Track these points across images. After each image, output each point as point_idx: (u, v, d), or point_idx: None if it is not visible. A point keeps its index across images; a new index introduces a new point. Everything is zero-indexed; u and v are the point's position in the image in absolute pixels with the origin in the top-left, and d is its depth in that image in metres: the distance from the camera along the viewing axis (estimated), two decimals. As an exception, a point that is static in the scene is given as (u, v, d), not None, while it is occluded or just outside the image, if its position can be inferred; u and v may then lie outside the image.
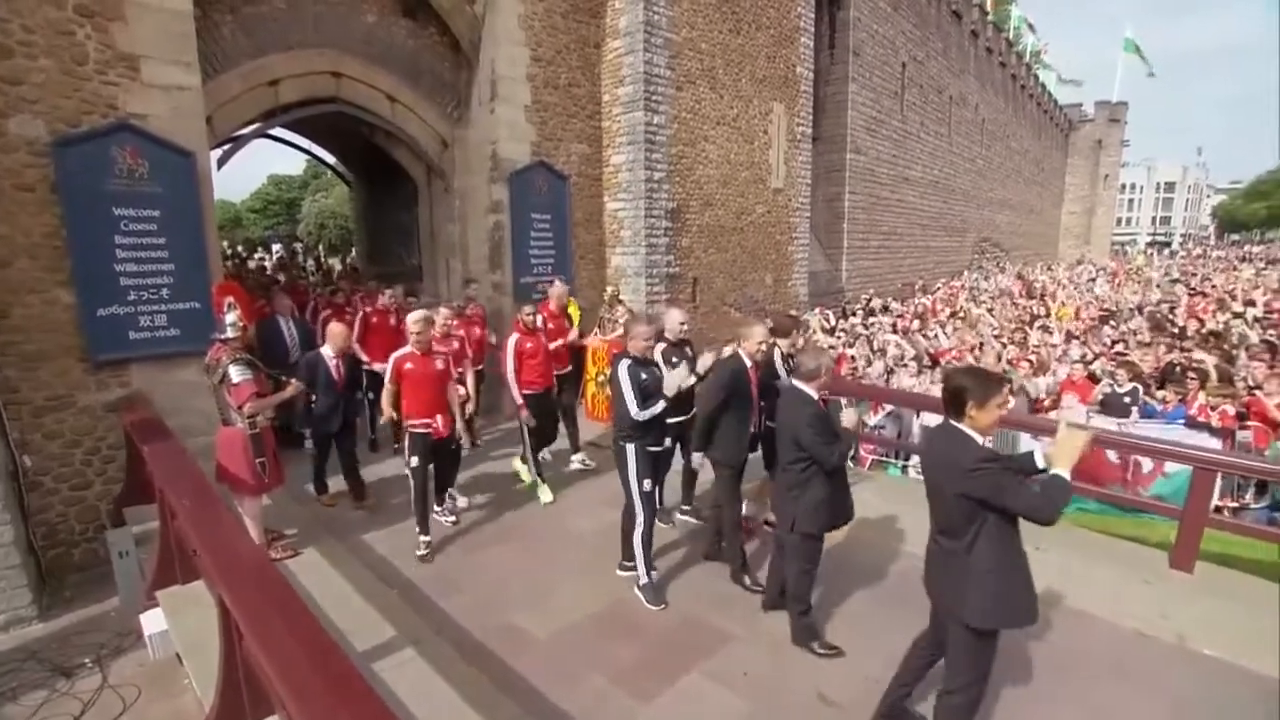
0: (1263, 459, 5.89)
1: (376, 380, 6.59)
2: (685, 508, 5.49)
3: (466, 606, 4.20)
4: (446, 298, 8.38)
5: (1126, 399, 7.44)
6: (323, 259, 25.06)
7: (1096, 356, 9.24)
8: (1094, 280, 22.78)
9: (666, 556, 4.85)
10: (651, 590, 4.22)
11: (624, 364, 4.11)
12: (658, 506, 4.55)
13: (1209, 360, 7.62)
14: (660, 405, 4.07)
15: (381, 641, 3.74)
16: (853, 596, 4.33)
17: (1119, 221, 66.13)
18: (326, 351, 5.44)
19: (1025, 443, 6.77)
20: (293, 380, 4.59)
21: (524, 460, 6.14)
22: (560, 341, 6.60)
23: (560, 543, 5.16)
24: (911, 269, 20.83)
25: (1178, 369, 7.63)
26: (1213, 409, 6.85)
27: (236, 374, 4.19)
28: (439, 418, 4.77)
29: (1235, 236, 75.61)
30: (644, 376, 4.11)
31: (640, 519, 4.18)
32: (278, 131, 8.53)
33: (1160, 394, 7.35)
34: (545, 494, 5.93)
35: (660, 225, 9.57)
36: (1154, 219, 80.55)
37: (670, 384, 4.04)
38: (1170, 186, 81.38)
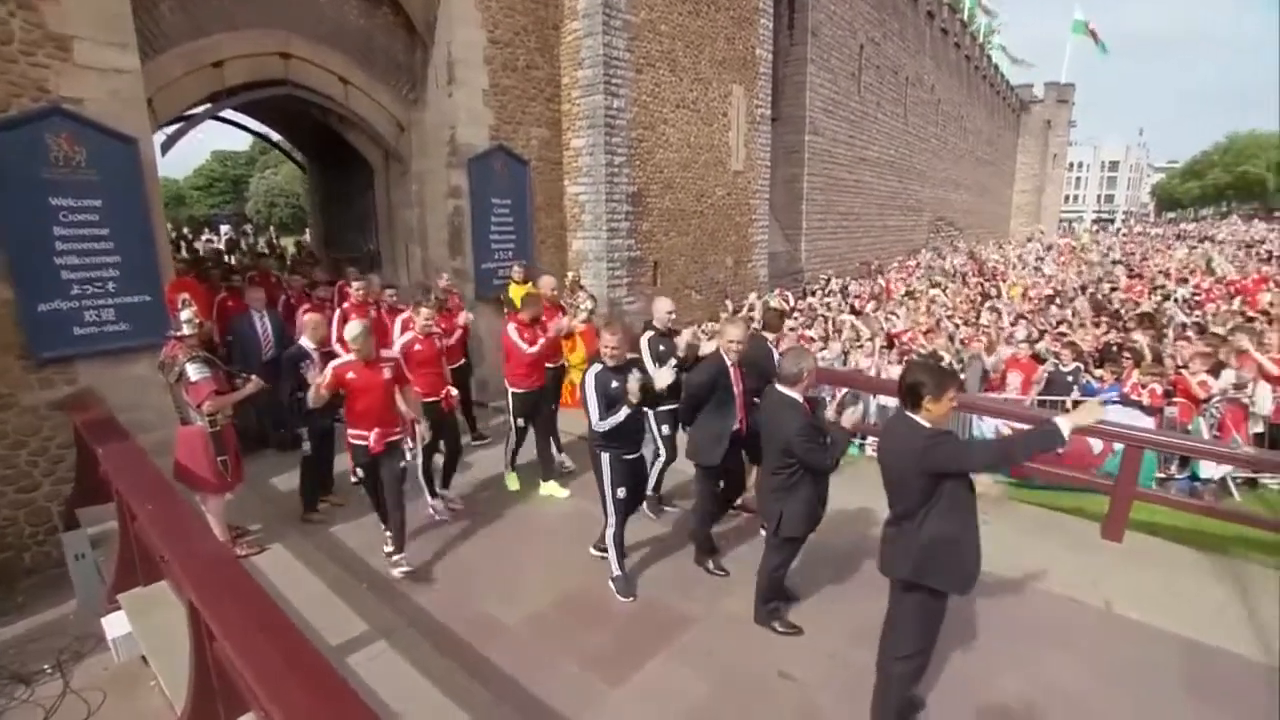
0: (1185, 435, 6.31)
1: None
2: (652, 491, 5.33)
3: (437, 597, 4.26)
4: (410, 283, 8.26)
5: (1069, 378, 7.85)
6: (275, 240, 24.10)
7: (1041, 334, 9.68)
8: (1042, 259, 23.59)
9: (640, 544, 4.92)
10: (623, 582, 4.28)
11: (592, 371, 4.07)
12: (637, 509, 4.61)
13: (1143, 341, 8.06)
14: (622, 414, 3.97)
15: (354, 635, 3.78)
16: (812, 576, 4.53)
17: (1067, 199, 68.47)
18: (307, 344, 5.18)
19: (977, 424, 7.15)
20: (252, 377, 4.50)
21: (549, 478, 5.85)
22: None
23: (526, 532, 5.23)
24: (869, 248, 21.26)
25: (1114, 349, 8.06)
26: (1144, 387, 7.29)
27: (194, 372, 4.11)
28: (375, 432, 4.36)
29: (1171, 214, 78.91)
30: (614, 384, 4.01)
31: (612, 522, 4.22)
32: (225, 113, 8.22)
33: (1098, 373, 7.76)
34: (512, 482, 5.89)
35: (621, 210, 9.59)
36: (1099, 197, 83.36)
37: (632, 388, 3.89)
38: (1114, 165, 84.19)
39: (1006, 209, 45.99)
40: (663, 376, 4.12)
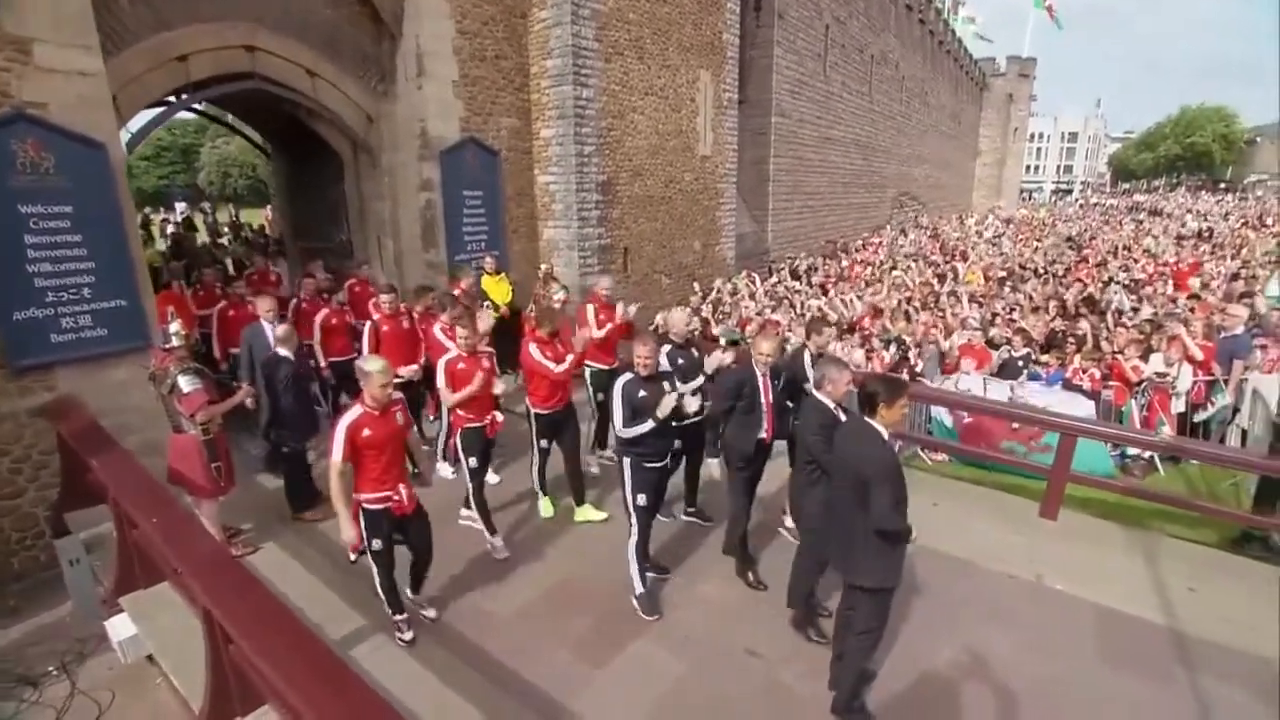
0: (1111, 423, 6.87)
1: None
2: (690, 509, 5.49)
3: (431, 591, 4.53)
4: (387, 276, 8.23)
5: (1020, 363, 8.35)
6: (236, 219, 22.91)
7: (994, 317, 10.19)
8: (1001, 236, 24.32)
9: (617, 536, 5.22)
10: (647, 600, 4.29)
11: (622, 380, 4.16)
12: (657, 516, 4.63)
13: (1084, 326, 8.60)
14: (647, 425, 4.01)
15: (353, 630, 4.05)
16: (772, 560, 4.91)
17: (1028, 169, 70.05)
18: (283, 352, 5.15)
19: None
20: (243, 385, 4.65)
21: (581, 501, 5.60)
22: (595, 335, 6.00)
23: (510, 525, 5.50)
24: (834, 227, 21.66)
25: (1059, 335, 8.58)
26: (1084, 372, 7.83)
27: (186, 384, 4.25)
28: (402, 488, 3.83)
29: (1126, 185, 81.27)
30: (641, 394, 4.09)
31: (634, 532, 4.27)
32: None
33: (1045, 359, 8.28)
34: (546, 508, 5.60)
35: (592, 199, 9.73)
36: (1058, 167, 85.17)
37: (664, 407, 3.97)
38: (1073, 136, 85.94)
39: (969, 182, 46.90)
40: (691, 404, 4.29)
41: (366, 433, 3.63)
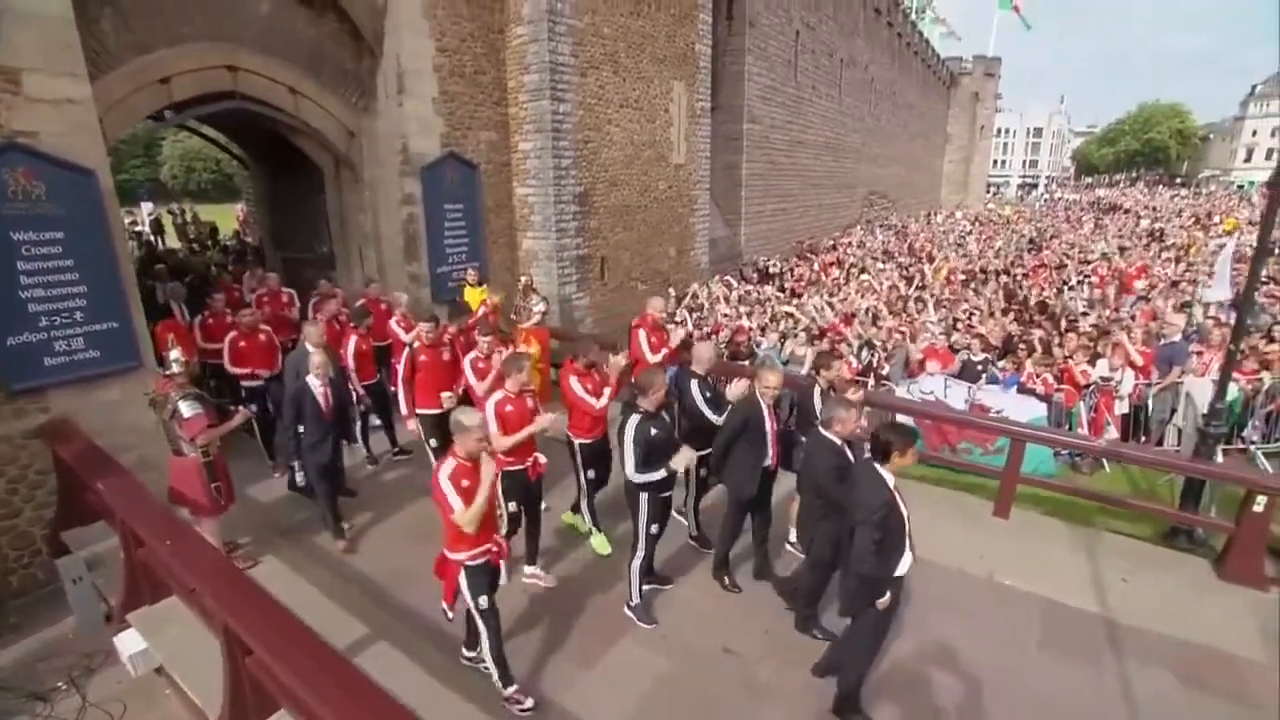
0: (1064, 431, 7.39)
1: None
2: (693, 536, 5.59)
3: (423, 596, 4.79)
4: (387, 287, 8.37)
5: (979, 367, 8.84)
6: (193, 219, 21.37)
7: (955, 322, 10.71)
8: (967, 235, 25.11)
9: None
10: (643, 610, 4.61)
11: (634, 420, 4.21)
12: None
13: (1037, 333, 9.13)
14: (660, 474, 4.17)
15: (357, 638, 4.30)
16: (743, 562, 5.28)
17: (995, 163, 71.96)
18: (312, 381, 5.17)
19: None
20: (240, 408, 4.86)
21: (577, 510, 5.64)
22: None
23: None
24: (806, 227, 22.19)
25: (1015, 340, 9.10)
26: (1038, 376, 8.34)
27: (188, 409, 4.45)
28: (496, 535, 3.81)
29: (1089, 179, 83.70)
30: (654, 431, 4.21)
31: (641, 554, 4.51)
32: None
33: (1001, 364, 8.78)
34: (603, 545, 5.46)
35: (569, 210, 10.00)
36: (1024, 162, 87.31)
37: (681, 460, 4.17)
38: (1038, 132, 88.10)
39: (937, 178, 48.02)
40: (689, 458, 4.30)
41: (465, 483, 3.51)
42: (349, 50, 8.20)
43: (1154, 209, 36.30)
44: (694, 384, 5.04)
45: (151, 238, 17.58)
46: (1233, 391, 7.91)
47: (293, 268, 9.52)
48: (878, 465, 3.55)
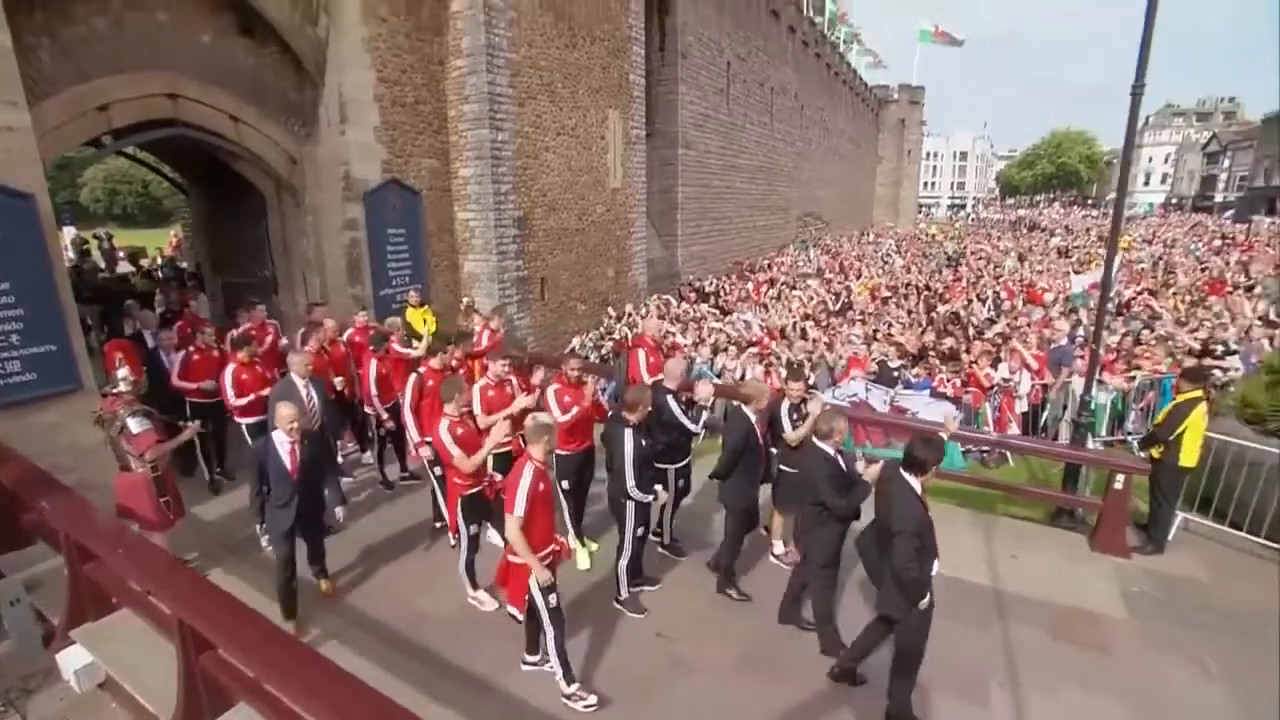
0: (973, 430, 8.09)
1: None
2: (663, 545, 5.81)
3: (374, 599, 5.03)
4: (309, 308, 8.42)
5: (895, 373, 9.58)
6: (105, 244, 20.24)
7: (875, 333, 11.52)
8: (894, 253, 26.62)
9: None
10: (633, 602, 4.97)
11: (628, 434, 4.56)
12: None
13: (948, 341, 9.97)
14: (652, 497, 4.69)
15: (308, 639, 4.50)
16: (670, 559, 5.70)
17: (926, 185, 76.27)
18: (279, 436, 4.52)
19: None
20: (189, 423, 5.01)
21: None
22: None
23: (434, 536, 6.07)
24: (741, 248, 23.12)
25: (928, 349, 9.91)
26: (947, 381, 9.13)
27: (136, 425, 4.59)
28: (558, 535, 4.12)
29: (1011, 200, 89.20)
30: (644, 444, 4.64)
31: (628, 555, 4.85)
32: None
33: (915, 370, 9.55)
34: (583, 559, 5.60)
35: (509, 233, 10.38)
36: (953, 184, 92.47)
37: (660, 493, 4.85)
38: (964, 156, 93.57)
39: (870, 200, 50.44)
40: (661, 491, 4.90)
41: (541, 487, 3.73)
42: (291, 81, 8.41)
43: (1067, 227, 39.44)
44: (670, 399, 5.24)
45: (80, 263, 16.90)
46: (1114, 391, 8.94)
47: (233, 292, 9.56)
48: (910, 477, 3.71)
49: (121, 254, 20.57)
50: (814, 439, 4.41)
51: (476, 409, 5.25)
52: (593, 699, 4.04)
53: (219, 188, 9.82)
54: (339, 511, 6.02)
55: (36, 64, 6.47)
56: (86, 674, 4.46)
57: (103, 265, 18.18)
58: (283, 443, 4.48)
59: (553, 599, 3.89)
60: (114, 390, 4.71)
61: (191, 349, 6.53)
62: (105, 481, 5.09)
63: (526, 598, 3.90)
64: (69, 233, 23.65)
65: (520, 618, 4.12)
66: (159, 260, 18.75)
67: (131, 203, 46.68)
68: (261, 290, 9.04)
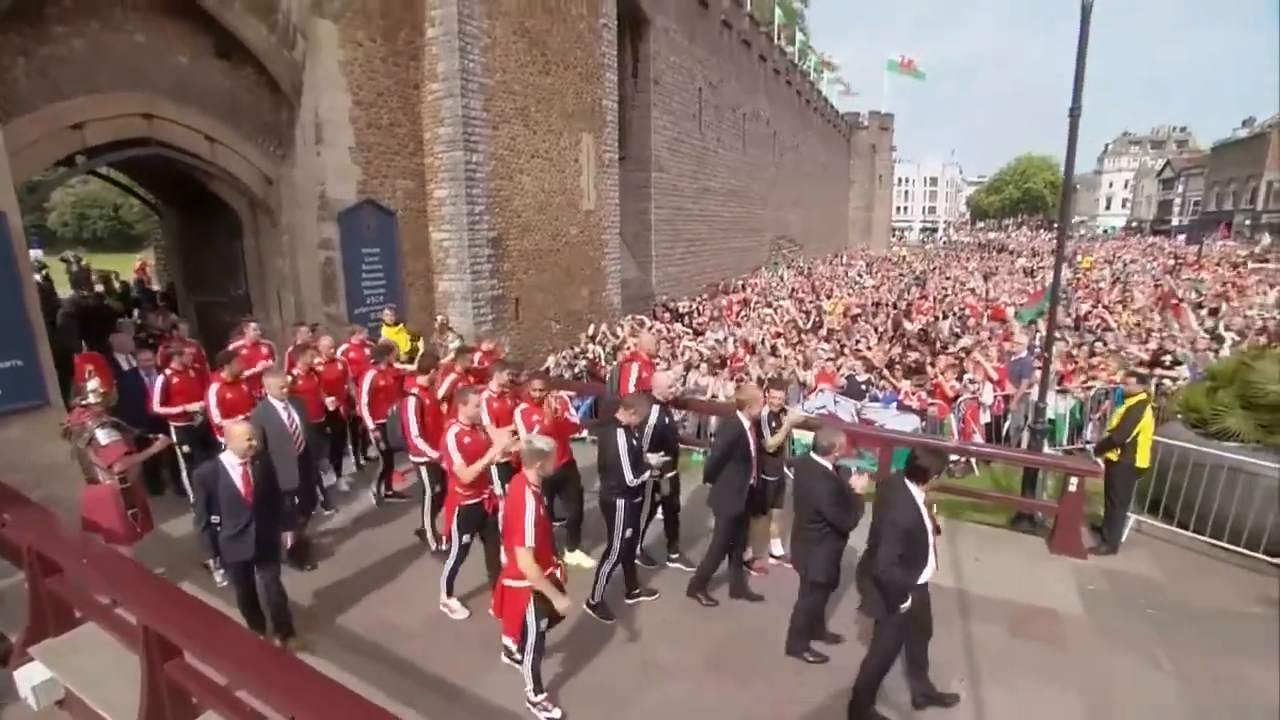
0: (938, 436, 8.34)
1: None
2: (673, 555, 5.87)
3: (343, 610, 5.03)
4: (296, 327, 8.24)
5: (864, 386, 9.82)
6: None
7: (843, 348, 11.79)
8: (866, 273, 27.29)
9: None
10: (604, 608, 4.99)
11: (620, 433, 4.70)
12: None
13: (913, 356, 10.26)
14: (646, 474, 4.80)
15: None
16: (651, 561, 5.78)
17: (899, 210, 78.21)
18: (228, 459, 4.23)
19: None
20: (160, 436, 5.00)
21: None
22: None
23: (406, 547, 6.11)
24: (716, 269, 23.50)
25: (894, 363, 10.18)
26: (912, 393, 9.38)
27: (104, 437, 4.59)
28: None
29: (981, 224, 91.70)
30: (634, 443, 4.78)
31: (614, 558, 4.90)
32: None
33: (881, 382, 9.80)
34: (586, 561, 5.76)
35: (483, 253, 10.51)
36: (924, 208, 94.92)
37: (655, 464, 4.89)
38: (934, 181, 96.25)
39: (843, 224, 51.57)
40: (656, 458, 4.94)
41: (541, 512, 3.81)
42: (267, 103, 8.52)
43: (1033, 249, 40.75)
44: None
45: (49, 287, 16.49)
46: (1073, 400, 9.28)
47: (207, 311, 9.54)
48: (912, 485, 3.77)
49: (94, 276, 20.20)
50: (813, 454, 4.41)
51: (485, 420, 5.40)
52: (557, 713, 4.06)
53: (194, 208, 9.82)
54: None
55: (10, 82, 6.53)
56: (44, 690, 4.39)
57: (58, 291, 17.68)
58: (234, 465, 4.18)
59: (543, 624, 3.95)
60: (83, 402, 4.71)
61: (170, 372, 6.30)
62: (72, 497, 5.04)
63: (522, 627, 3.94)
64: (35, 253, 23.27)
65: (515, 652, 4.17)
66: (129, 284, 18.44)
67: (102, 227, 45.93)
68: (234, 309, 9.03)
